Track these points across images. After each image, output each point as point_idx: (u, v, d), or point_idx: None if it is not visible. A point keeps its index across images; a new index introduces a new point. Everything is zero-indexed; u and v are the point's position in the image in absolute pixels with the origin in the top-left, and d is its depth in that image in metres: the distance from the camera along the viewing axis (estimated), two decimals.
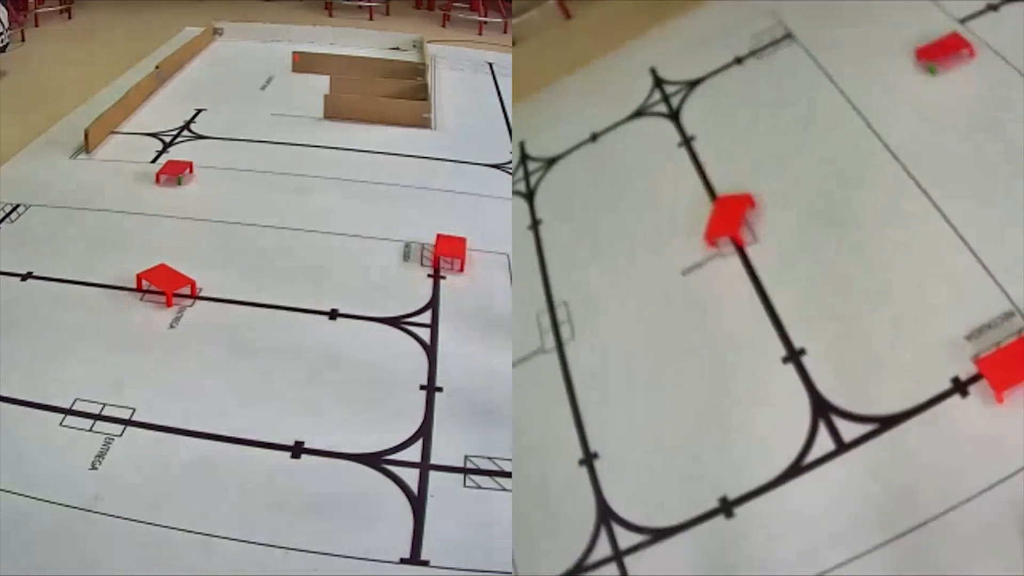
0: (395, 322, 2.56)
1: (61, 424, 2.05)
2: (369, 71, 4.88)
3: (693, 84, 2.86)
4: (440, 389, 2.29)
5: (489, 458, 2.07)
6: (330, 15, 6.82)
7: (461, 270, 2.87)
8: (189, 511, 1.84)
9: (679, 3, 3.22)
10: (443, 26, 6.70)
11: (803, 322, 2.03)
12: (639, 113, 2.87)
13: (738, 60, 2.85)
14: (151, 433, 2.05)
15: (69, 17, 6.05)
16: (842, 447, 1.78)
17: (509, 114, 4.44)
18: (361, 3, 6.86)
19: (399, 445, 2.09)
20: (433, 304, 2.67)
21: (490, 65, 5.46)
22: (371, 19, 6.75)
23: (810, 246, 2.19)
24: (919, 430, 1.73)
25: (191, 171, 3.40)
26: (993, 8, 2.52)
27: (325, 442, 2.07)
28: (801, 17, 2.87)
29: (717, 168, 2.54)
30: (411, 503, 1.93)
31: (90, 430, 2.03)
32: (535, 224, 2.77)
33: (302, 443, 2.06)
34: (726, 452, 1.88)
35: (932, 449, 1.69)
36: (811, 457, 1.79)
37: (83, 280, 2.63)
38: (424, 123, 4.23)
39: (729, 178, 2.47)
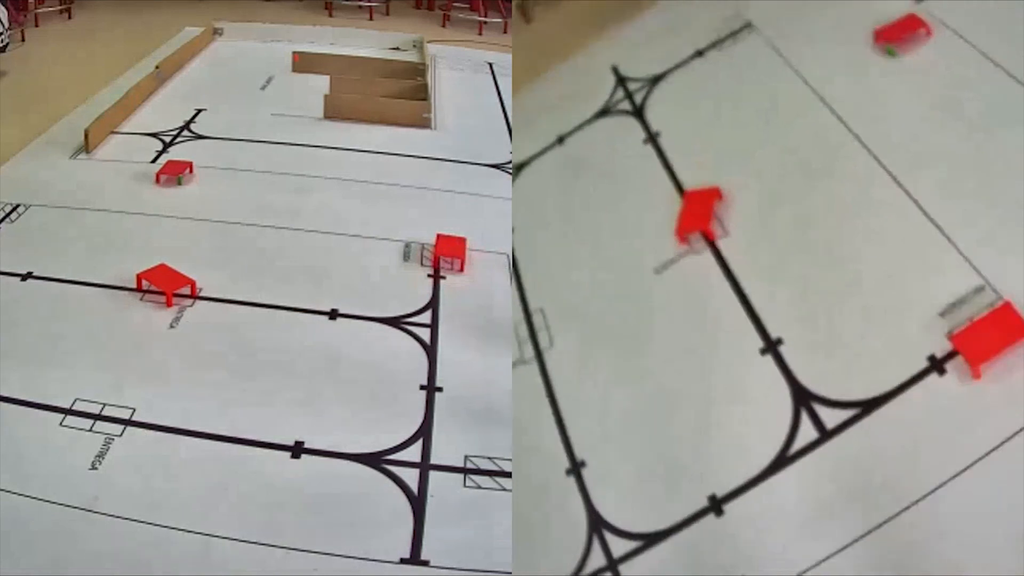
0: (395, 322, 2.56)
1: (61, 424, 2.04)
2: (369, 71, 4.88)
3: (655, 80, 2.85)
4: (440, 389, 2.29)
5: (489, 458, 2.07)
6: (330, 15, 6.82)
7: (461, 270, 2.87)
8: (189, 511, 1.84)
9: (637, 2, 3.20)
10: (443, 26, 6.70)
11: (778, 312, 2.02)
12: (604, 112, 2.85)
13: (699, 53, 2.84)
14: (151, 433, 2.05)
15: (69, 17, 6.05)
16: (825, 435, 1.78)
17: (509, 114, 4.44)
18: (361, 3, 6.86)
19: (399, 445, 2.09)
20: (433, 304, 2.67)
21: (490, 65, 5.45)
22: (371, 19, 6.75)
23: (779, 235, 2.19)
24: (900, 410, 1.74)
25: (191, 171, 3.40)
26: None
27: (325, 442, 2.07)
28: (760, 6, 2.87)
29: (684, 163, 2.53)
30: (411, 503, 1.93)
31: (90, 430, 2.03)
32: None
33: (302, 443, 2.06)
34: (711, 449, 1.88)
35: (914, 429, 1.70)
36: (796, 447, 1.79)
37: (83, 280, 2.63)
38: (424, 123, 4.23)
39: (696, 172, 2.46)
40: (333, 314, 2.58)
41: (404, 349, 2.45)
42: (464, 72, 5.33)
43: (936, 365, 1.77)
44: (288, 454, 2.03)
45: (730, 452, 1.85)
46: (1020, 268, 1.80)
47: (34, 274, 2.64)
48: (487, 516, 1.92)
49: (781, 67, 2.60)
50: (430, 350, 2.45)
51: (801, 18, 2.73)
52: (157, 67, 4.52)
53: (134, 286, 2.60)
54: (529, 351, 2.30)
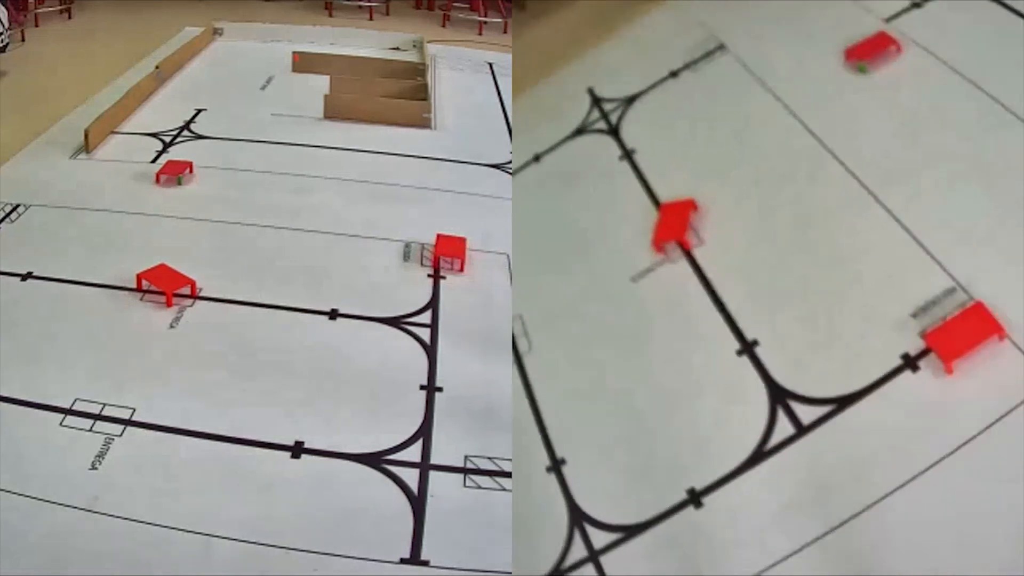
0: (395, 322, 2.56)
1: (61, 424, 2.05)
2: (369, 71, 4.88)
3: (630, 100, 2.92)
4: (440, 389, 2.29)
5: (489, 458, 2.08)
6: (330, 15, 6.82)
7: (461, 270, 2.87)
8: (189, 511, 1.84)
9: (613, 23, 3.28)
10: (443, 26, 6.70)
11: (754, 315, 2.09)
12: (580, 131, 2.92)
13: (673, 74, 2.91)
14: (151, 433, 2.05)
15: (69, 17, 6.05)
16: (802, 430, 1.83)
17: (509, 114, 4.44)
18: (361, 3, 6.86)
19: (399, 445, 2.09)
20: (433, 304, 2.67)
21: (490, 65, 5.46)
22: (371, 19, 6.75)
23: (754, 243, 2.26)
24: (875, 406, 1.79)
25: (191, 171, 3.40)
26: (917, 5, 2.60)
27: (325, 442, 2.07)
28: (733, 28, 2.94)
29: (659, 178, 2.60)
30: (411, 503, 1.93)
31: (90, 430, 2.03)
32: None
33: (302, 443, 2.06)
34: (690, 446, 1.93)
35: (889, 423, 1.75)
36: (773, 442, 1.84)
37: (83, 280, 2.63)
38: (424, 123, 4.23)
39: (671, 187, 2.53)
40: (333, 314, 2.58)
41: (404, 349, 2.45)
42: (464, 72, 5.33)
43: (910, 363, 1.82)
44: (288, 454, 2.03)
45: (708, 448, 1.90)
46: (991, 270, 1.86)
47: (34, 274, 2.64)
48: (487, 516, 1.92)
49: (754, 86, 2.67)
50: (430, 350, 2.45)
51: (774, 41, 2.80)
52: (157, 67, 4.52)
53: (134, 286, 2.60)
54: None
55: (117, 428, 2.04)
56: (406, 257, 2.94)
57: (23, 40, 5.24)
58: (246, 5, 6.61)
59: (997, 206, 1.97)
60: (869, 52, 2.51)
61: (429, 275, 2.83)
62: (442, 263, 2.88)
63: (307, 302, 2.62)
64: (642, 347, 2.18)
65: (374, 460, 2.04)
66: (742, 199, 2.37)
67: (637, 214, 2.49)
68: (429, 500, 1.94)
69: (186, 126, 3.96)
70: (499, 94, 4.90)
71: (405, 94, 4.45)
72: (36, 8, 5.79)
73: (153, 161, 3.52)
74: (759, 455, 1.83)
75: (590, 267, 2.45)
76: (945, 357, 1.76)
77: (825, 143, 2.35)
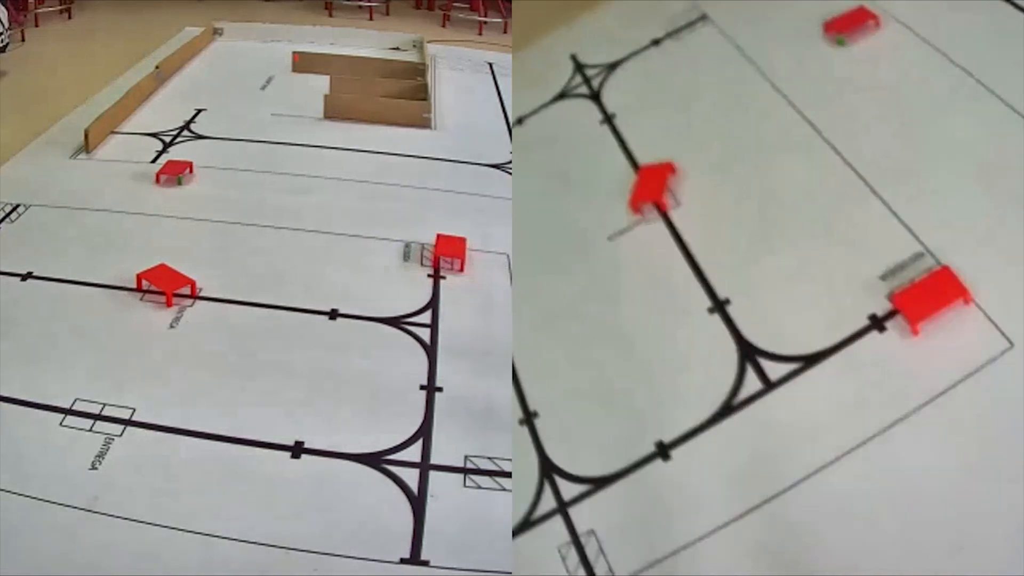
0: (395, 322, 2.57)
1: (61, 424, 2.05)
2: (369, 71, 4.89)
3: (612, 66, 2.95)
4: (440, 389, 2.29)
5: (489, 458, 2.08)
6: (330, 15, 6.83)
7: (461, 270, 2.87)
8: (189, 511, 1.84)
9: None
10: (443, 26, 6.71)
11: (726, 275, 2.13)
12: (562, 96, 2.95)
13: (655, 42, 2.94)
14: (151, 433, 2.05)
15: (69, 17, 6.05)
16: (769, 386, 1.87)
17: (509, 114, 4.44)
18: (361, 3, 6.86)
19: (399, 445, 2.09)
20: (433, 304, 2.67)
21: (490, 65, 5.46)
22: (371, 19, 6.75)
23: (729, 206, 2.29)
24: (840, 364, 1.83)
25: (191, 171, 3.40)
26: None
27: (325, 442, 2.07)
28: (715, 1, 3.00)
29: (638, 143, 2.63)
30: (411, 503, 1.93)
31: (90, 430, 2.03)
32: None
33: (302, 443, 2.06)
34: (660, 400, 1.95)
35: (854, 381, 1.79)
36: (741, 397, 1.88)
37: (83, 280, 2.63)
38: (424, 123, 4.23)
39: (650, 152, 2.56)
40: (333, 314, 2.58)
41: (404, 349, 2.45)
42: (464, 72, 5.34)
43: (877, 323, 1.86)
44: (288, 454, 2.03)
45: (678, 402, 1.93)
46: (957, 237, 1.91)
47: (34, 274, 2.64)
48: (487, 516, 1.92)
49: (735, 56, 2.71)
50: (430, 350, 2.45)
51: (755, 11, 2.85)
52: (157, 67, 4.52)
53: (134, 286, 2.60)
54: None
55: (117, 428, 2.04)
56: (406, 257, 2.94)
57: (23, 40, 5.25)
58: (246, 5, 6.61)
59: (961, 177, 2.03)
60: (848, 25, 2.55)
61: (429, 275, 2.83)
62: (442, 263, 2.88)
63: (307, 302, 2.62)
64: (616, 304, 2.21)
65: (374, 460, 2.04)
66: (720, 164, 2.41)
67: (616, 176, 2.53)
68: (429, 500, 1.94)
69: (186, 126, 3.96)
70: (499, 94, 4.90)
71: (405, 94, 4.45)
72: (36, 8, 5.79)
73: (153, 161, 3.52)
74: (727, 409, 1.86)
75: (567, 225, 2.47)
76: (911, 319, 1.80)
77: (804, 113, 2.39)
